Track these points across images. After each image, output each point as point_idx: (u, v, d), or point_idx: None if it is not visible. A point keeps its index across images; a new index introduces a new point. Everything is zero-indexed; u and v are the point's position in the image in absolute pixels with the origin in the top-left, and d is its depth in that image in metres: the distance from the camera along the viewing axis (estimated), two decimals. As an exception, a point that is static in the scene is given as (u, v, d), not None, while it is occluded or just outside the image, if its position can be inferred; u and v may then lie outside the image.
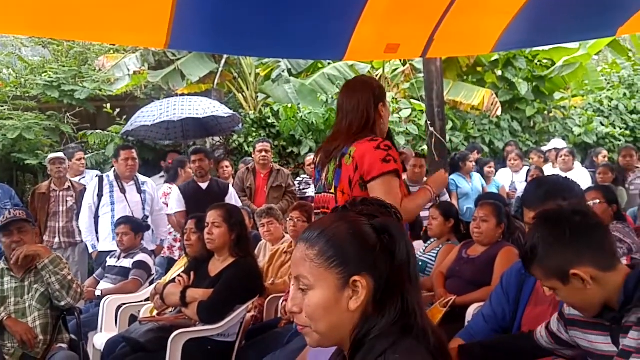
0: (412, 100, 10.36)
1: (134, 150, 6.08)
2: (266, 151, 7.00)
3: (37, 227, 6.26)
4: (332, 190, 2.78)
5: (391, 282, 1.36)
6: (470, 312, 3.40)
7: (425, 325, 1.37)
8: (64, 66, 10.38)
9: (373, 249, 1.36)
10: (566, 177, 2.59)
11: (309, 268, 1.36)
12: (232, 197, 6.27)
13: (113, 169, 6.10)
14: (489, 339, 2.40)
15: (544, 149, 10.15)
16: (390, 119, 3.27)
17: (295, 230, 4.51)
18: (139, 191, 5.95)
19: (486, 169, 8.19)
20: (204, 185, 6.23)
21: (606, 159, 9.01)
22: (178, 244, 6.40)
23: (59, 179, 6.55)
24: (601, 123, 12.59)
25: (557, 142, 10.54)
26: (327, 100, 9.96)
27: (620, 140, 12.21)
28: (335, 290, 1.34)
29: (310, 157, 7.86)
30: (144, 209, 5.91)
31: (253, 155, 7.28)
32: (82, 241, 6.31)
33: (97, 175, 6.52)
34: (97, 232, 5.85)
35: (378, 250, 1.36)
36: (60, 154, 6.90)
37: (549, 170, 8.07)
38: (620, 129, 12.64)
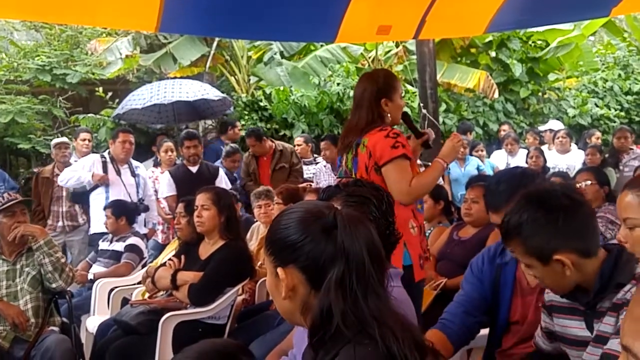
0: (406, 84, 10.32)
1: (132, 135, 6.07)
2: (252, 146, 7.00)
3: (40, 211, 6.35)
4: (353, 176, 3.08)
5: (331, 276, 1.30)
6: (461, 294, 3.39)
7: (385, 324, 1.27)
8: (56, 50, 10.32)
9: (303, 243, 1.32)
10: (524, 167, 2.55)
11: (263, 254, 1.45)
12: (222, 181, 6.23)
13: (108, 150, 6.07)
14: None
15: (540, 128, 10.11)
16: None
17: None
18: (133, 174, 5.94)
19: (474, 152, 8.10)
20: (194, 169, 6.19)
21: (599, 141, 8.94)
22: (160, 227, 6.41)
23: (63, 163, 6.53)
24: (596, 104, 12.49)
25: (554, 124, 10.47)
26: (319, 82, 9.90)
27: (615, 122, 12.08)
28: (273, 277, 1.39)
29: (298, 139, 8.01)
30: (137, 192, 5.90)
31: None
32: (84, 224, 6.33)
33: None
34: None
35: (313, 244, 1.32)
36: (64, 139, 6.89)
37: (545, 152, 7.96)
38: (615, 110, 12.53)
